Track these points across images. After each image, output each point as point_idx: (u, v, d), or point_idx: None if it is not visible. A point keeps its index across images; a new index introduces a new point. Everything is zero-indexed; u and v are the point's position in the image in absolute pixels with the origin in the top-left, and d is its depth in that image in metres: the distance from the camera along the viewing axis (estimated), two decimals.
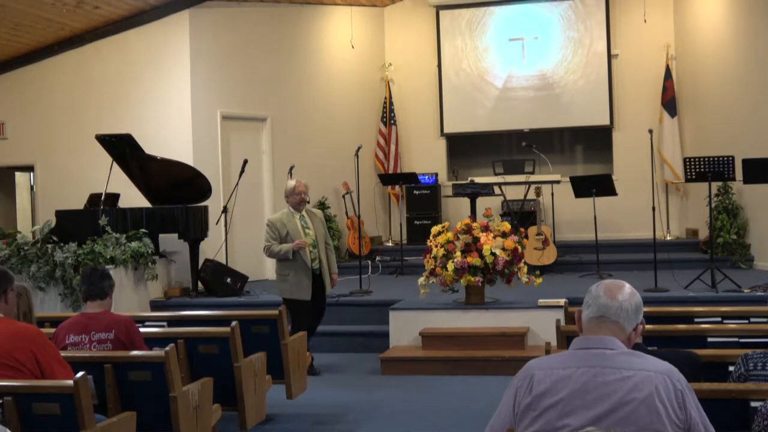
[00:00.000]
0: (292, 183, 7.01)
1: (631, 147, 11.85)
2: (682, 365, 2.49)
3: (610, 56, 12.21)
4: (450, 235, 7.45)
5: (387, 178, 11.70)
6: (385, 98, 12.70)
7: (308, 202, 7.10)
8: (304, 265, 6.83)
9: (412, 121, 12.90)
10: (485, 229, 7.46)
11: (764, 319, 4.77)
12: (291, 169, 9.62)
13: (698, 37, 11.37)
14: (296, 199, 6.93)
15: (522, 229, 9.05)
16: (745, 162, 8.04)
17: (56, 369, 3.59)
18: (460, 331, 7.25)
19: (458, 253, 7.30)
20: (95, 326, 4.25)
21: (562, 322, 4.75)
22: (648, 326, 3.28)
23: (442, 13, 12.73)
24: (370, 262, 10.81)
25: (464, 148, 13.00)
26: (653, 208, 8.43)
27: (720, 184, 10.07)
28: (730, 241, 10.06)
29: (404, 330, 7.46)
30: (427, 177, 12.21)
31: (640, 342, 3.22)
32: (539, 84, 12.43)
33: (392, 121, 12.64)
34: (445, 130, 12.78)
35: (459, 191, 10.15)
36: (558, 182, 10.86)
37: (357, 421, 5.62)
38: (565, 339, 4.41)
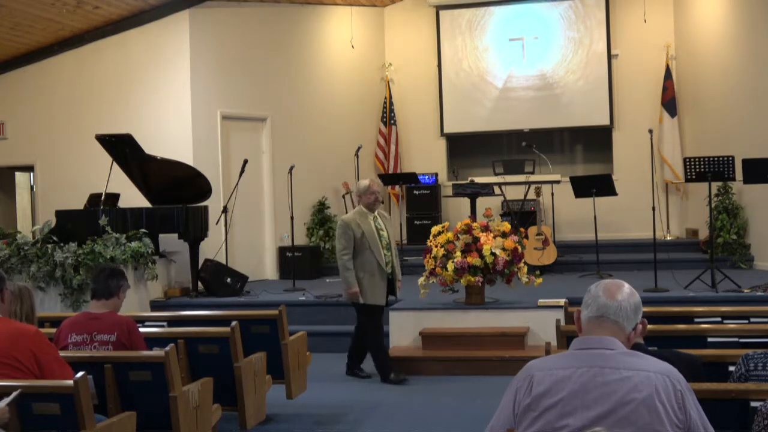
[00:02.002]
0: (365, 182, 6.69)
1: (631, 147, 11.85)
2: (681, 367, 2.48)
3: (610, 56, 12.21)
4: (450, 235, 7.45)
5: (387, 178, 11.69)
6: (385, 98, 12.70)
7: (382, 202, 6.70)
8: (380, 269, 6.53)
9: (412, 121, 12.90)
10: (485, 229, 7.46)
11: (764, 319, 4.77)
12: (291, 169, 9.62)
13: (698, 37, 11.37)
14: (370, 199, 6.61)
15: (522, 229, 9.05)
16: (745, 162, 8.04)
17: (56, 369, 3.59)
18: (460, 331, 7.25)
19: (458, 253, 7.30)
20: (97, 327, 4.24)
21: (562, 322, 4.75)
22: (648, 326, 3.28)
23: (442, 13, 12.73)
24: None
25: (464, 148, 12.99)
26: (653, 208, 8.43)
27: (720, 184, 10.08)
28: (730, 241, 10.06)
29: (404, 330, 7.45)
30: (427, 177, 12.21)
31: (642, 342, 3.22)
32: (539, 84, 12.43)
33: (392, 121, 12.64)
34: (445, 130, 12.78)
35: (459, 191, 10.15)
36: (558, 182, 10.85)
37: (357, 421, 5.62)
38: (565, 339, 4.41)
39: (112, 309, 4.36)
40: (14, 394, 3.23)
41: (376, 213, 6.68)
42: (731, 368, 3.49)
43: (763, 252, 9.89)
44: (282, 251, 10.74)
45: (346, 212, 11.65)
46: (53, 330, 4.57)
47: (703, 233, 10.58)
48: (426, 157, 12.76)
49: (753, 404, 2.94)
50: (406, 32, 12.94)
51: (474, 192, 9.81)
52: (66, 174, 10.33)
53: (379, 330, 6.69)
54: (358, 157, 9.21)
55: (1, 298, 3.75)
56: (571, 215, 11.53)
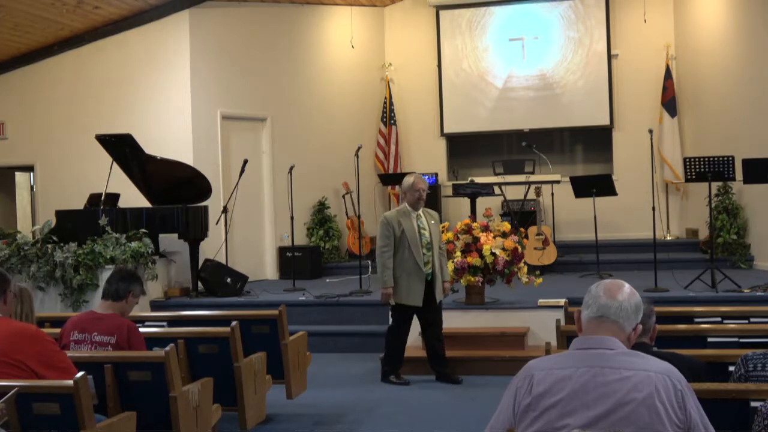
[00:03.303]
0: (410, 179, 6.52)
1: (631, 147, 11.85)
2: (684, 371, 2.48)
3: (610, 56, 12.21)
4: (450, 235, 7.45)
5: (387, 178, 11.70)
6: (385, 98, 12.70)
7: (423, 202, 6.52)
8: (417, 269, 6.37)
9: (412, 121, 12.90)
10: (485, 229, 7.46)
11: (764, 319, 4.77)
12: (291, 169, 9.62)
13: (698, 37, 11.37)
14: (414, 197, 6.46)
15: (522, 229, 9.05)
16: (745, 162, 8.04)
17: (60, 366, 3.59)
18: (460, 331, 7.25)
19: (458, 253, 7.30)
20: (97, 327, 4.23)
21: (562, 322, 4.75)
22: None
23: (442, 13, 12.73)
24: (370, 262, 10.79)
25: (464, 148, 13.00)
26: (653, 208, 8.43)
27: (720, 184, 10.07)
28: (730, 241, 10.06)
29: None
30: (427, 177, 12.18)
31: (652, 345, 3.22)
32: (539, 84, 12.43)
33: (392, 121, 12.64)
34: (445, 130, 12.79)
35: (459, 191, 10.14)
36: (558, 182, 10.85)
37: (357, 421, 5.62)
38: (565, 339, 4.42)
39: (118, 312, 4.33)
40: (11, 393, 3.23)
41: (420, 212, 6.52)
42: (731, 368, 3.49)
43: (763, 252, 9.89)
44: (282, 251, 10.74)
45: (346, 212, 11.68)
46: (53, 330, 4.57)
47: (703, 233, 10.59)
48: (426, 157, 12.76)
49: (753, 404, 2.94)
50: (406, 32, 12.94)
51: (474, 192, 9.80)
52: (66, 174, 10.33)
53: (403, 331, 6.53)
54: (358, 157, 9.21)
55: (4, 299, 3.75)
56: (571, 215, 11.53)
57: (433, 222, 6.56)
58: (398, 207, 6.62)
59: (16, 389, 3.25)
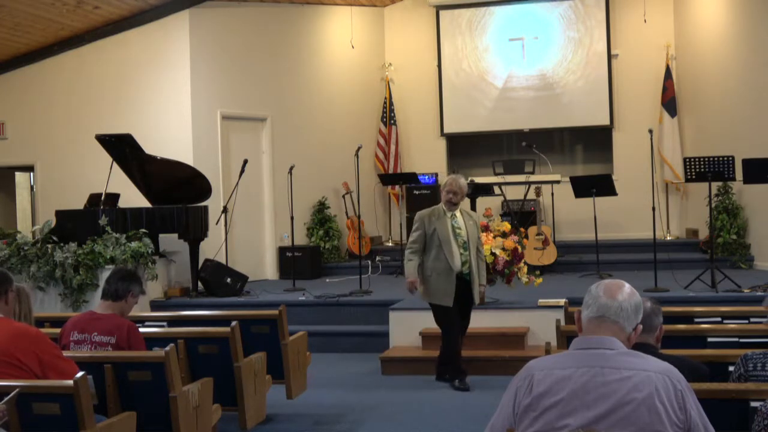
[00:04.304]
0: (446, 180, 6.44)
1: (631, 147, 11.85)
2: (686, 375, 2.47)
3: (610, 56, 12.21)
4: None
5: (387, 178, 11.70)
6: (385, 98, 12.70)
7: (455, 204, 6.37)
8: (448, 269, 6.25)
9: (412, 121, 12.90)
10: (485, 229, 7.45)
11: (764, 319, 4.76)
12: (291, 169, 9.62)
13: (698, 37, 11.37)
14: (444, 198, 6.36)
15: (522, 229, 9.03)
16: (745, 162, 8.04)
17: (60, 366, 3.59)
18: None
19: None
20: (97, 327, 4.23)
21: (562, 322, 4.75)
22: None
23: (442, 13, 12.73)
24: (370, 262, 10.81)
25: (464, 148, 13.00)
26: (653, 208, 8.43)
27: (720, 184, 10.07)
28: (730, 241, 10.06)
29: (404, 330, 7.45)
30: (427, 177, 12.20)
31: (656, 345, 3.21)
32: (539, 84, 12.43)
33: (392, 121, 12.64)
34: (445, 130, 12.78)
35: None
36: (558, 182, 10.85)
37: (357, 421, 5.62)
38: (565, 339, 4.42)
39: (118, 312, 4.33)
40: (12, 393, 3.23)
41: (457, 212, 6.39)
42: (731, 368, 3.49)
43: (763, 252, 9.89)
44: (282, 251, 10.74)
45: (346, 212, 11.69)
46: (53, 330, 4.57)
47: (703, 233, 10.58)
48: (426, 157, 12.76)
49: (753, 404, 2.94)
50: (406, 32, 12.95)
51: (474, 192, 9.81)
52: (66, 174, 10.33)
53: (448, 330, 6.40)
54: (358, 157, 9.21)
55: (5, 300, 3.75)
56: (571, 215, 11.53)
57: (471, 223, 6.43)
58: (438, 204, 6.54)
59: (17, 390, 3.25)
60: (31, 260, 8.32)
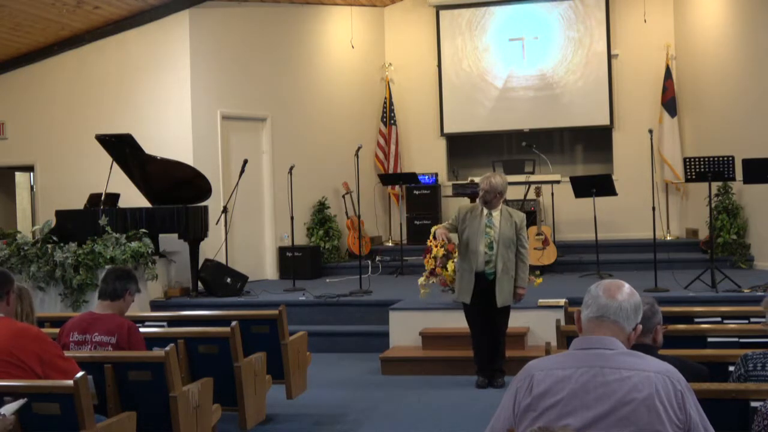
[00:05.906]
0: (482, 176, 6.38)
1: (631, 147, 11.84)
2: (687, 376, 2.47)
3: (610, 56, 12.21)
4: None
5: (387, 178, 11.70)
6: (385, 98, 12.70)
7: (489, 202, 6.24)
8: (470, 266, 6.25)
9: (412, 121, 12.90)
10: None
11: (764, 319, 4.76)
12: (291, 169, 9.62)
13: (698, 37, 11.37)
14: (479, 196, 6.31)
15: None
16: (745, 162, 8.04)
17: (61, 366, 3.59)
18: (460, 331, 7.23)
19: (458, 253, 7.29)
20: (97, 327, 4.23)
21: (562, 322, 4.75)
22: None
23: (442, 13, 12.72)
24: (370, 262, 10.81)
25: (464, 148, 12.99)
26: (653, 208, 8.43)
27: (720, 184, 10.07)
28: (730, 241, 10.06)
29: (404, 330, 7.45)
30: (427, 177, 12.21)
31: (655, 346, 3.21)
32: (539, 84, 12.43)
33: (392, 121, 12.64)
34: (445, 130, 12.78)
35: (459, 191, 10.17)
36: (558, 182, 10.86)
37: (357, 421, 5.62)
38: (565, 339, 4.42)
39: (116, 311, 4.32)
40: (21, 401, 3.22)
41: (496, 211, 6.26)
42: (731, 368, 3.49)
43: (763, 252, 9.89)
44: (282, 251, 10.74)
45: (346, 212, 11.69)
46: (53, 330, 4.57)
47: (703, 233, 10.58)
48: (426, 157, 12.75)
49: (753, 404, 2.94)
50: (406, 32, 12.94)
51: (474, 192, 9.81)
52: (66, 174, 10.33)
53: (470, 327, 6.39)
54: (358, 157, 9.21)
55: (7, 300, 3.75)
56: (571, 215, 11.53)
57: (508, 223, 6.24)
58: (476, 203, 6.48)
59: (25, 399, 3.25)
60: (31, 260, 8.32)
